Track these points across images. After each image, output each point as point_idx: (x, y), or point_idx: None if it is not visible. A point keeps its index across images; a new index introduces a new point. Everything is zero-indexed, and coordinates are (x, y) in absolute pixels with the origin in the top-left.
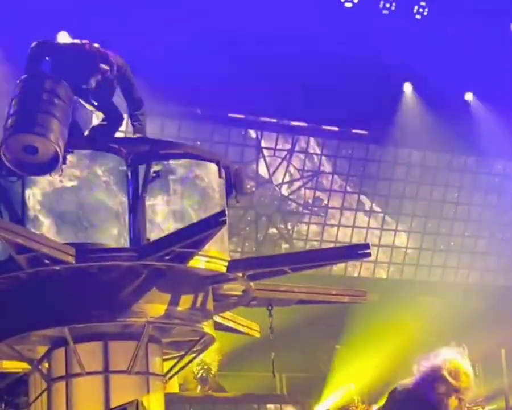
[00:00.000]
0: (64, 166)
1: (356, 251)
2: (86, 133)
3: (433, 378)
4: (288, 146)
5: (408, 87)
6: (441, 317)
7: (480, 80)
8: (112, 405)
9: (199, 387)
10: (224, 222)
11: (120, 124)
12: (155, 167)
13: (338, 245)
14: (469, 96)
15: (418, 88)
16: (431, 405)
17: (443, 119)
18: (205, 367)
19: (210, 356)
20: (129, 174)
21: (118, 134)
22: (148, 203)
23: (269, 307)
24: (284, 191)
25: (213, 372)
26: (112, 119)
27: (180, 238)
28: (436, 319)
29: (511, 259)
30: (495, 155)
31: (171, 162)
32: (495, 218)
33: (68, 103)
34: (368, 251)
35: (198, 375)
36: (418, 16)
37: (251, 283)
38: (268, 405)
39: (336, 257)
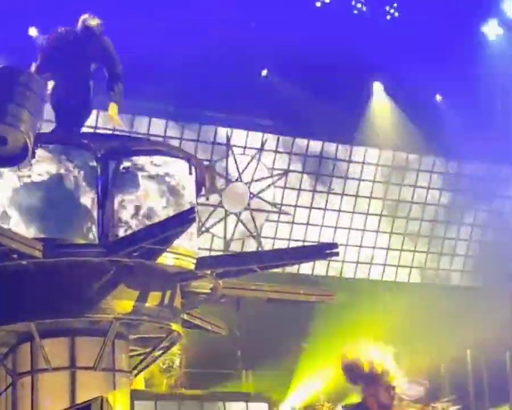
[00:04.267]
0: (33, 160)
1: (324, 251)
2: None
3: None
4: (258, 144)
5: (377, 87)
6: (407, 318)
7: (450, 82)
8: (78, 401)
9: (165, 381)
10: (193, 219)
11: (88, 117)
12: (125, 164)
13: (306, 244)
14: (439, 97)
15: (389, 88)
16: None
17: (412, 119)
18: (171, 358)
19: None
20: (99, 170)
21: (89, 130)
22: (117, 199)
23: (237, 305)
24: (253, 189)
25: (178, 363)
26: (82, 113)
27: (149, 235)
28: (403, 319)
29: (478, 261)
30: (464, 156)
31: (141, 158)
32: (462, 220)
33: (41, 98)
34: (336, 250)
35: (164, 366)
36: (389, 17)
37: (220, 281)
38: (234, 403)
39: (304, 256)
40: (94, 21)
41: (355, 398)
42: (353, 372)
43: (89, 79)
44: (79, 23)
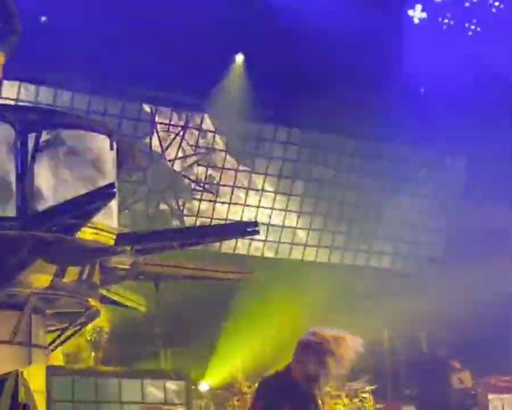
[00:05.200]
0: None
1: (244, 229)
2: None
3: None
4: (182, 122)
5: (302, 70)
6: (327, 298)
7: (374, 65)
8: None
9: (92, 354)
10: (113, 195)
11: None
12: (45, 137)
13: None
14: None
15: (313, 71)
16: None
17: (336, 102)
18: (98, 330)
19: (101, 320)
20: (18, 143)
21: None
22: (36, 172)
23: (157, 282)
24: (177, 167)
25: (105, 335)
26: None
27: (68, 210)
28: (322, 300)
29: (399, 243)
30: (385, 138)
31: (62, 132)
32: (383, 202)
33: None
34: (256, 228)
35: (91, 339)
36: None
37: (139, 258)
38: (152, 380)
39: (224, 233)
40: None
41: (277, 370)
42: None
43: None
44: None
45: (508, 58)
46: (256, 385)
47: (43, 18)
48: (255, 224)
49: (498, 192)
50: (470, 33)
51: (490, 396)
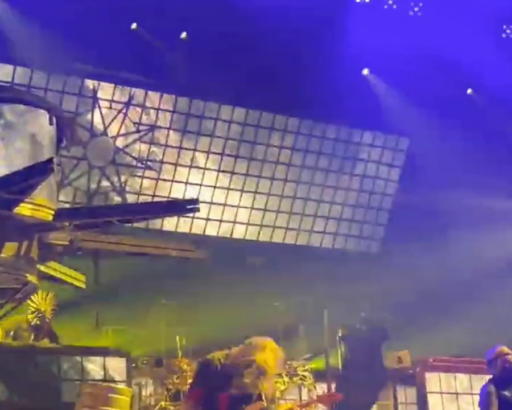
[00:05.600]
0: None
1: (185, 206)
2: None
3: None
4: (125, 99)
5: (248, 47)
6: (268, 277)
7: (316, 44)
8: None
9: (32, 336)
10: (51, 170)
11: None
12: None
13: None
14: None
15: (258, 48)
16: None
17: (280, 81)
18: (40, 315)
19: (45, 304)
20: None
21: None
22: None
23: (96, 258)
24: (119, 143)
25: (47, 320)
26: None
27: (6, 184)
28: (264, 278)
29: (341, 223)
30: (329, 119)
31: (0, 106)
32: (326, 182)
33: None
34: (197, 206)
35: (32, 323)
36: None
37: (78, 233)
38: (92, 357)
39: (165, 210)
40: None
41: (216, 355)
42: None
43: None
44: None
45: (451, 40)
46: (196, 365)
47: None
48: (196, 201)
49: (440, 173)
50: (411, 13)
51: (428, 375)
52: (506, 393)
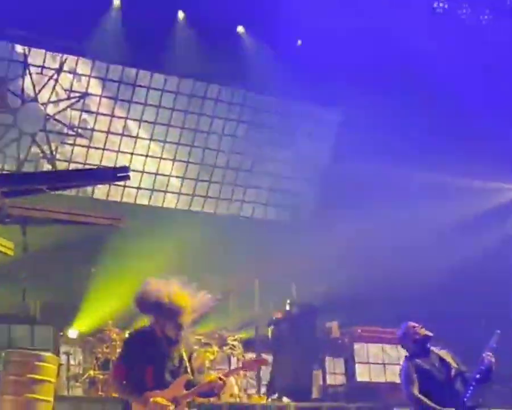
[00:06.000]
0: None
1: (115, 174)
2: None
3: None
4: (56, 65)
5: (181, 15)
6: (199, 247)
7: (252, 14)
8: None
9: None
10: None
11: None
12: None
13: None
14: (240, 29)
15: (191, 17)
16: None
17: (214, 50)
18: None
19: None
20: None
21: None
22: None
23: (24, 226)
24: (50, 110)
25: None
26: None
27: None
28: (194, 248)
29: (272, 194)
30: (261, 89)
31: None
32: (257, 152)
33: None
34: (127, 174)
35: None
36: None
37: (7, 200)
38: (19, 326)
39: (95, 177)
40: None
41: (143, 324)
42: (144, 303)
43: None
44: None
45: (387, 12)
46: (126, 334)
47: None
48: (126, 169)
49: (371, 146)
50: None
51: (356, 346)
52: (423, 364)
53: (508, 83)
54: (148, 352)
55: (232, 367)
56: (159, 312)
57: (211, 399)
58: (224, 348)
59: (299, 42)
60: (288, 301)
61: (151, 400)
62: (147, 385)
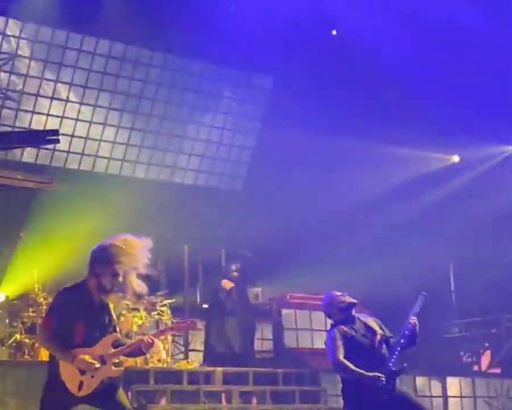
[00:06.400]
0: None
1: (44, 137)
2: None
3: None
4: None
5: None
6: (129, 212)
7: None
8: None
9: None
10: None
11: None
12: None
13: None
14: None
15: None
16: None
17: (146, 14)
18: None
19: None
20: None
21: None
22: None
23: None
24: None
25: None
26: None
27: None
28: (125, 213)
29: (203, 160)
30: (193, 54)
31: None
32: (189, 118)
33: None
34: (56, 137)
35: None
36: None
37: None
38: None
39: (23, 140)
40: None
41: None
42: (98, 248)
43: None
44: None
45: None
46: (52, 298)
47: None
48: (56, 132)
49: (302, 114)
50: None
51: (284, 311)
52: (348, 331)
53: (439, 49)
54: (78, 306)
55: None
56: (103, 255)
57: (139, 363)
58: (153, 313)
59: (232, 7)
60: (233, 267)
61: (79, 357)
62: (75, 341)
